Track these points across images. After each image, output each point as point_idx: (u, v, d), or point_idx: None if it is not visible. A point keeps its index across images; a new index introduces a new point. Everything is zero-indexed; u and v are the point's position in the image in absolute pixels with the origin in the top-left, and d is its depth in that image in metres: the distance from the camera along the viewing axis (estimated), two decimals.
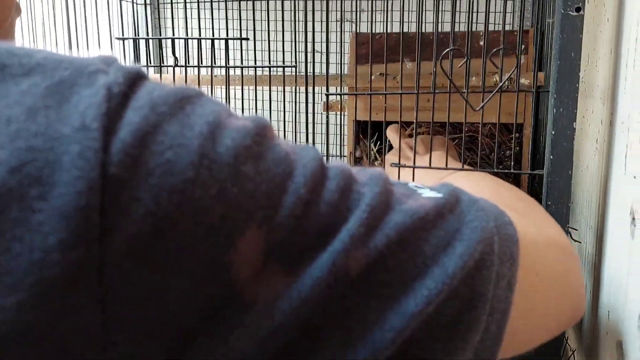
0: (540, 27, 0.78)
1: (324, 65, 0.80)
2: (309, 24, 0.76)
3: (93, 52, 0.86)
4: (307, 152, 0.27)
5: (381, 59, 0.77)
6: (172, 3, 0.88)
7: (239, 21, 0.79)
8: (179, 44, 0.81)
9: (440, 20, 0.66)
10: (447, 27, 0.86)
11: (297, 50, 0.79)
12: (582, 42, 0.56)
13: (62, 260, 0.20)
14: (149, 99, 0.24)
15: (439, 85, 0.69)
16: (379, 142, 0.92)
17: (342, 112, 0.96)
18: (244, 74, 0.81)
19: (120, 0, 0.84)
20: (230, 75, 0.81)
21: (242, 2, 0.78)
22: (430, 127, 0.70)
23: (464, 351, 0.27)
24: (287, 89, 0.82)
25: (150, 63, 0.89)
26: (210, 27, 0.78)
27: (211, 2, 0.75)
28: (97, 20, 0.83)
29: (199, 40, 0.79)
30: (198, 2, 0.80)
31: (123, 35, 0.87)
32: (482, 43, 0.74)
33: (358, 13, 0.91)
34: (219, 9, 0.82)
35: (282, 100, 0.78)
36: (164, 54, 1.00)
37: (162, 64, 0.86)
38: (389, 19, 0.70)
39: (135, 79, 0.24)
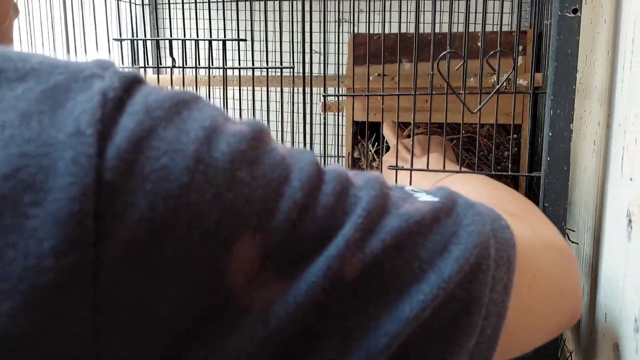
0: (538, 28, 0.78)
1: (322, 66, 0.80)
2: (307, 25, 0.76)
3: (91, 53, 0.86)
4: (303, 156, 0.27)
5: (379, 59, 0.77)
6: (169, 4, 0.88)
7: (236, 22, 0.79)
8: (177, 45, 0.81)
9: (438, 21, 0.66)
10: (445, 28, 0.86)
11: (295, 51, 0.79)
12: (580, 44, 0.56)
13: (56, 266, 0.20)
14: (144, 103, 0.24)
15: (437, 86, 0.69)
16: (376, 143, 0.92)
17: (340, 113, 0.96)
18: (241, 74, 0.80)
19: (118, 1, 0.84)
20: (228, 76, 0.80)
21: (239, 2, 0.77)
22: (427, 128, 0.70)
23: (458, 355, 0.27)
24: (285, 89, 0.82)
25: (148, 64, 0.89)
26: (208, 28, 0.77)
27: (209, 2, 0.75)
28: (95, 21, 0.83)
29: (197, 41, 0.79)
30: (196, 2, 0.80)
31: (121, 36, 0.87)
32: (479, 44, 0.74)
33: (356, 14, 0.91)
34: (217, 9, 0.82)
35: (280, 101, 0.78)
36: (162, 55, 1.00)
37: (159, 65, 0.86)
38: (386, 20, 0.70)
39: (132, 84, 0.24)
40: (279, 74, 0.81)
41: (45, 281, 0.20)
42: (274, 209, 0.24)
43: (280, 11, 0.79)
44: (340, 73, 0.97)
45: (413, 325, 0.25)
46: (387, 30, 0.71)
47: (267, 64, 0.79)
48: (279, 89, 0.81)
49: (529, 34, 0.83)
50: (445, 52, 0.62)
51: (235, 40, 0.77)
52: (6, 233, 0.20)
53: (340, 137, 1.25)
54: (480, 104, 0.64)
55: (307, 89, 0.80)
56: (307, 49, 0.77)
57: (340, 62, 1.07)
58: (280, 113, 0.78)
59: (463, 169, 0.66)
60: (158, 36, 1.20)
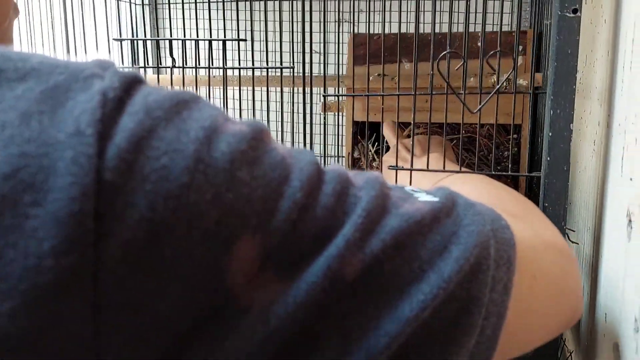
0: (538, 28, 0.78)
1: (322, 66, 0.80)
2: (307, 25, 0.76)
3: (91, 53, 0.86)
4: (303, 156, 0.27)
5: (379, 59, 0.77)
6: (169, 4, 0.88)
7: (236, 22, 0.79)
8: (177, 45, 0.81)
9: (438, 21, 0.66)
10: (445, 28, 0.86)
11: (295, 51, 0.79)
12: (580, 44, 0.56)
13: (56, 266, 0.20)
14: (144, 103, 0.24)
15: (437, 86, 0.69)
16: (376, 143, 0.92)
17: (340, 113, 0.96)
18: (241, 74, 0.80)
19: (118, 1, 0.84)
20: (228, 76, 0.80)
21: (239, 2, 0.77)
22: (428, 128, 0.70)
23: (458, 355, 0.27)
24: (285, 89, 0.82)
25: (148, 64, 0.89)
26: (208, 28, 0.77)
27: (209, 2, 0.75)
28: (95, 21, 0.83)
29: (197, 41, 0.79)
30: (196, 2, 0.80)
31: (121, 36, 0.87)
32: (479, 44, 0.74)
33: (356, 14, 0.91)
34: (216, 9, 0.82)
35: (280, 101, 0.78)
36: (162, 55, 1.00)
37: (159, 65, 0.86)
38: (386, 20, 0.70)
39: (132, 84, 0.24)
40: (279, 74, 0.81)
41: (45, 281, 0.20)
42: (274, 209, 0.24)
43: (280, 11, 0.79)
44: (340, 73, 0.97)
45: (413, 325, 0.25)
46: (387, 30, 0.71)
47: (267, 64, 0.79)
48: (278, 89, 0.81)
49: (529, 34, 0.83)
50: (445, 52, 0.62)
51: (235, 40, 0.77)
52: (6, 233, 0.20)
53: (340, 137, 1.25)
54: (480, 104, 0.64)
55: (307, 89, 0.80)
56: (307, 49, 0.77)
57: (340, 62, 1.07)
58: (280, 113, 0.78)
59: (463, 169, 0.66)
60: (158, 36, 1.20)
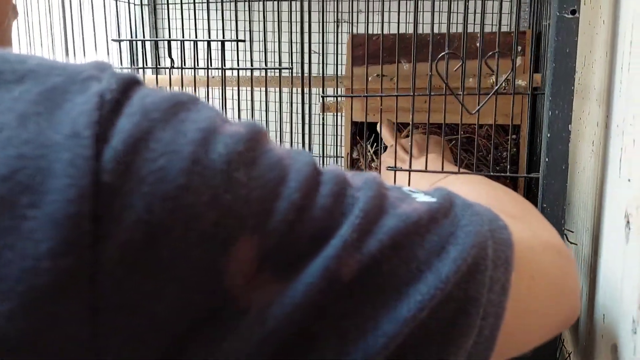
0: (536, 29, 0.78)
1: (321, 67, 0.80)
2: (306, 25, 0.76)
3: (89, 54, 0.86)
4: (300, 157, 0.27)
5: (378, 60, 0.77)
6: (168, 4, 0.88)
7: (235, 22, 0.79)
8: (176, 46, 0.81)
9: (437, 22, 0.66)
10: (444, 28, 0.86)
11: (294, 51, 0.79)
12: (578, 45, 0.56)
13: (53, 268, 0.20)
14: (141, 105, 0.24)
15: (436, 87, 0.69)
16: (375, 144, 0.92)
17: (339, 113, 0.96)
18: (240, 75, 0.80)
19: (117, 1, 0.84)
20: (226, 77, 0.81)
21: (238, 3, 0.77)
22: (426, 129, 0.70)
23: (456, 355, 0.27)
24: (284, 90, 0.82)
25: (147, 65, 0.89)
26: (207, 28, 0.77)
27: (207, 3, 0.75)
28: (94, 22, 0.83)
29: (196, 41, 0.79)
30: (194, 3, 0.80)
31: (119, 36, 0.87)
32: (478, 45, 0.74)
33: (355, 14, 0.91)
34: (215, 10, 0.82)
35: (279, 101, 0.78)
36: (161, 56, 1.00)
37: (158, 66, 0.86)
38: (385, 20, 0.70)
39: (129, 85, 0.24)
40: (278, 74, 0.81)
41: (42, 283, 0.20)
42: (271, 210, 0.24)
43: (279, 11, 0.79)
44: (339, 73, 0.97)
45: (411, 325, 0.25)
46: (386, 31, 0.71)
47: (266, 65, 0.79)
48: (277, 89, 0.81)
49: (528, 35, 0.84)
50: (444, 53, 0.62)
51: (234, 40, 0.77)
52: (3, 235, 0.20)
53: (339, 137, 1.25)
54: (479, 105, 0.64)
55: (306, 90, 0.80)
56: (306, 50, 0.78)
57: (339, 62, 1.07)
58: (279, 113, 0.78)
59: (462, 169, 0.66)
60: (157, 37, 1.20)
